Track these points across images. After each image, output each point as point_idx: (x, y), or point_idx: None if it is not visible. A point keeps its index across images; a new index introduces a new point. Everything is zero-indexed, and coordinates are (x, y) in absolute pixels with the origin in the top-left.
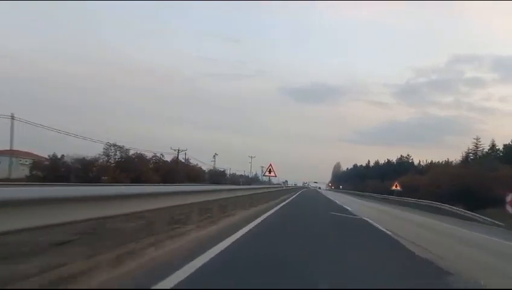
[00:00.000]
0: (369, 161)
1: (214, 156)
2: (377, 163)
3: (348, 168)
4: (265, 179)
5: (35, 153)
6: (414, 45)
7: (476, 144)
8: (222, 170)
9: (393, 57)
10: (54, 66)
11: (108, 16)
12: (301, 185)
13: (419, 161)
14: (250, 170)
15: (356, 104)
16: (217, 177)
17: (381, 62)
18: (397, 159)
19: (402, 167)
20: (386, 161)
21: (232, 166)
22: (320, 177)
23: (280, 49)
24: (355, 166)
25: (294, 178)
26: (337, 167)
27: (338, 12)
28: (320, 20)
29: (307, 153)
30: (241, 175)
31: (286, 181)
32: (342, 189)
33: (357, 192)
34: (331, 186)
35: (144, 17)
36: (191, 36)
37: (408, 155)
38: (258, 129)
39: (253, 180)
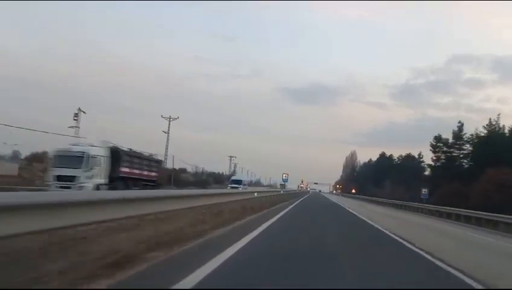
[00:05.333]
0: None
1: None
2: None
3: (370, 160)
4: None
5: None
6: (413, 45)
7: None
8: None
9: (392, 57)
10: (48, 66)
11: (101, 16)
12: (295, 188)
13: None
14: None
15: (354, 105)
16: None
17: (380, 62)
18: None
19: None
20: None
21: (225, 167)
22: (320, 178)
23: (277, 49)
24: (383, 155)
25: (293, 179)
26: (352, 158)
27: (336, 13)
28: (318, 20)
29: (305, 154)
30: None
31: (239, 181)
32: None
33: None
34: (342, 189)
35: (137, 16)
36: (185, 35)
37: None
38: (253, 129)
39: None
